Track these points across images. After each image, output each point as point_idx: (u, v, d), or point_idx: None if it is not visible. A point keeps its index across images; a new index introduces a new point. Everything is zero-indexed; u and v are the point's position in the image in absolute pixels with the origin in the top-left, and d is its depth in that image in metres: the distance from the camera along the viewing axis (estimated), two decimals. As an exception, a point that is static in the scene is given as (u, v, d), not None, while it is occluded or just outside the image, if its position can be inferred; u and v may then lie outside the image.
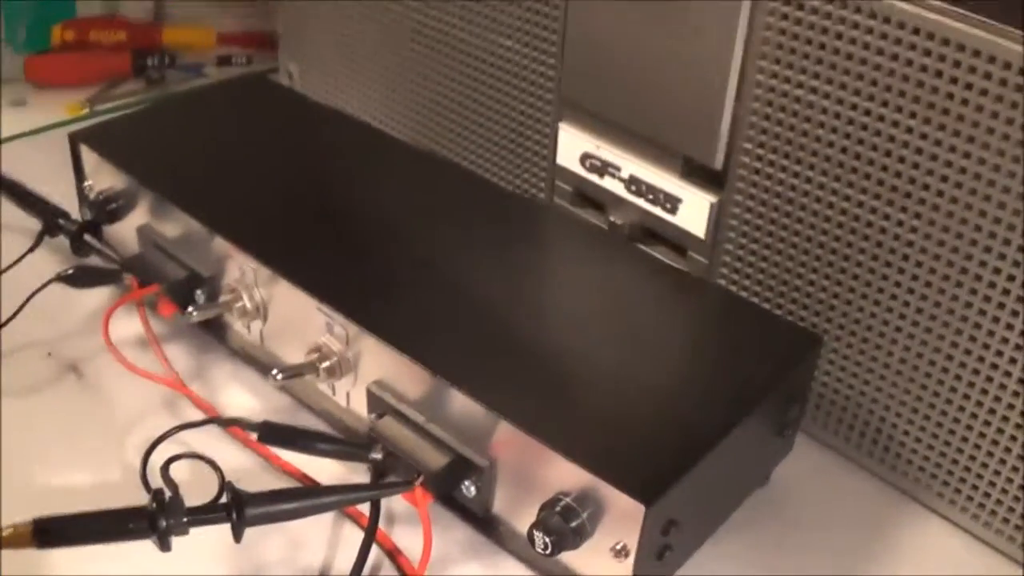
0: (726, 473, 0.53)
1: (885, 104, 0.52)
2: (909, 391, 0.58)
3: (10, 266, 0.67)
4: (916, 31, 0.50)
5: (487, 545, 0.55)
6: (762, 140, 0.58)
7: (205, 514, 0.48)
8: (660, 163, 0.64)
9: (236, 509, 0.48)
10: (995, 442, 0.55)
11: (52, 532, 0.46)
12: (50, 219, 0.70)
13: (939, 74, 0.50)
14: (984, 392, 0.54)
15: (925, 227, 0.53)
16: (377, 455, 0.53)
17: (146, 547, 0.47)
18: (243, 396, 0.63)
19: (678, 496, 0.47)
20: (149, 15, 1.07)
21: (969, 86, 0.49)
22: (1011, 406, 0.53)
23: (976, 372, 0.54)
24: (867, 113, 0.53)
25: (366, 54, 0.82)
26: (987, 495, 0.57)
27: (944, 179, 0.52)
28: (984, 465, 0.56)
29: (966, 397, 0.55)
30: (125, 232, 0.69)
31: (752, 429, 0.53)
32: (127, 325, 0.66)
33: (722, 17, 0.57)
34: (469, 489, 0.52)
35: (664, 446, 0.49)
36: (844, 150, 0.55)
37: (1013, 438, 0.54)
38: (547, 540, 0.47)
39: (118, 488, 0.56)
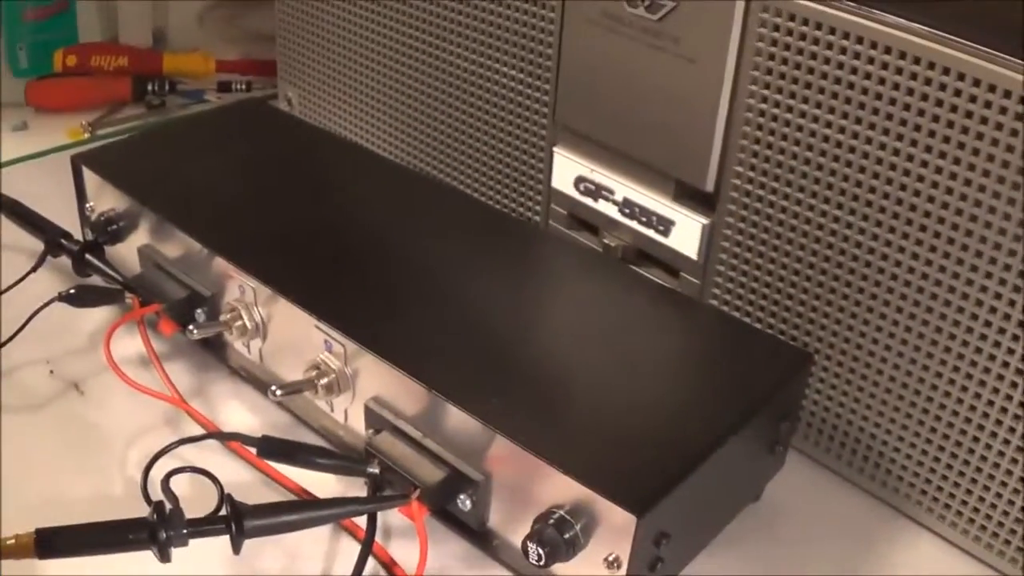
0: (717, 487, 0.54)
1: (872, 127, 0.53)
2: (899, 408, 0.58)
3: (12, 285, 0.68)
4: (903, 55, 0.51)
5: (482, 558, 0.55)
6: (753, 163, 0.59)
7: (205, 526, 0.49)
8: (653, 186, 0.65)
9: (235, 521, 0.49)
10: (984, 457, 0.56)
11: (54, 543, 0.47)
12: (52, 239, 0.71)
13: (925, 97, 0.51)
14: (972, 408, 0.55)
15: (913, 246, 0.54)
16: (374, 469, 0.54)
17: (147, 560, 0.48)
18: (243, 414, 0.64)
19: (669, 509, 0.48)
20: (150, 41, 1.08)
21: (954, 108, 0.50)
22: (999, 421, 0.54)
23: (964, 389, 0.55)
24: (855, 136, 0.54)
25: (363, 80, 0.84)
26: (976, 509, 0.57)
27: (931, 199, 0.52)
28: (973, 480, 0.57)
29: (955, 413, 0.56)
30: (126, 252, 0.70)
31: (743, 445, 0.54)
32: (129, 344, 0.67)
33: (713, 43, 0.58)
34: (465, 503, 0.53)
35: (656, 460, 0.50)
36: (834, 172, 0.56)
37: (1001, 453, 0.55)
38: (541, 551, 0.48)
39: (119, 502, 0.57)
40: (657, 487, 0.48)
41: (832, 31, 0.53)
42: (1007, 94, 0.48)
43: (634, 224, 0.66)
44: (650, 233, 0.66)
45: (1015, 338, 0.52)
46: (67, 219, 0.73)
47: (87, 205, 0.72)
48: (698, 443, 0.51)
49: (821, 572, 0.57)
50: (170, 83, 1.01)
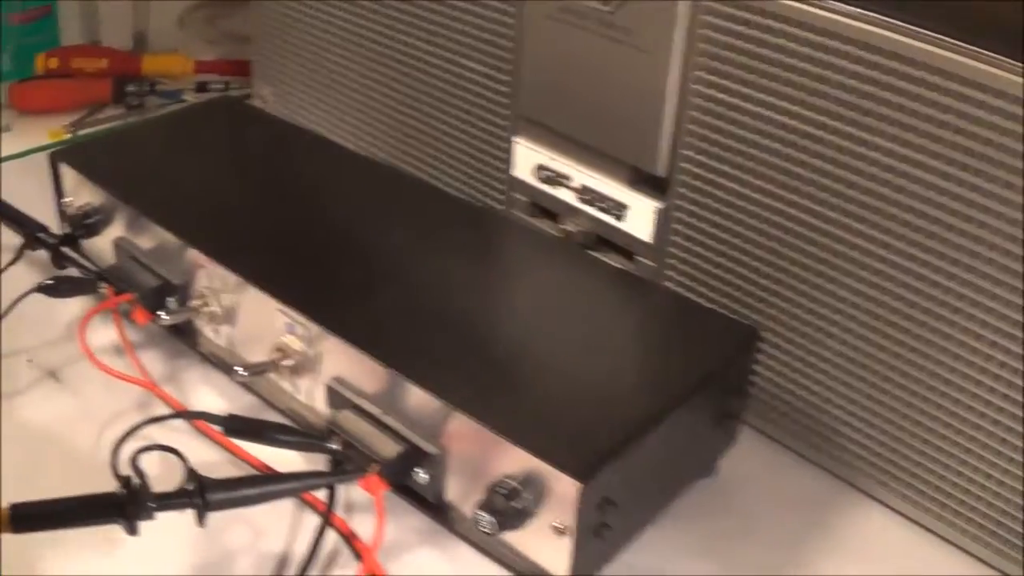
0: (663, 458, 0.55)
1: (816, 109, 0.55)
2: (849, 384, 0.60)
3: (-8, 278, 0.70)
4: (846, 40, 0.53)
5: (440, 531, 0.57)
6: (702, 147, 0.61)
7: (171, 499, 0.51)
8: (609, 172, 0.67)
9: (200, 494, 0.50)
10: (932, 430, 0.57)
11: (28, 517, 0.49)
12: (31, 233, 0.73)
13: (869, 80, 0.53)
14: (919, 382, 0.57)
15: (858, 225, 0.56)
16: (335, 445, 0.56)
17: (137, 544, 0.50)
18: (213, 397, 0.66)
19: (613, 476, 0.50)
20: (130, 43, 1.10)
21: (898, 91, 0.52)
22: (944, 394, 0.56)
23: (912, 363, 0.57)
24: (801, 119, 0.56)
25: (333, 77, 0.86)
26: (927, 482, 0.59)
27: (873, 178, 0.54)
28: (923, 452, 0.58)
29: (902, 387, 0.58)
30: (102, 245, 0.71)
31: (690, 416, 0.56)
32: (104, 334, 0.69)
33: (662, 33, 0.60)
34: (422, 476, 0.55)
35: (601, 431, 0.52)
36: (779, 155, 0.58)
37: (948, 425, 0.56)
38: (491, 520, 0.50)
39: (93, 481, 0.58)
40: (601, 455, 0.50)
41: (776, 18, 0.55)
42: (947, 74, 0.50)
43: (591, 210, 0.68)
44: (607, 218, 0.68)
45: (970, 317, 0.54)
46: (46, 215, 0.74)
47: (65, 200, 0.73)
48: (644, 414, 0.53)
49: (776, 544, 0.59)
50: (150, 84, 1.02)
